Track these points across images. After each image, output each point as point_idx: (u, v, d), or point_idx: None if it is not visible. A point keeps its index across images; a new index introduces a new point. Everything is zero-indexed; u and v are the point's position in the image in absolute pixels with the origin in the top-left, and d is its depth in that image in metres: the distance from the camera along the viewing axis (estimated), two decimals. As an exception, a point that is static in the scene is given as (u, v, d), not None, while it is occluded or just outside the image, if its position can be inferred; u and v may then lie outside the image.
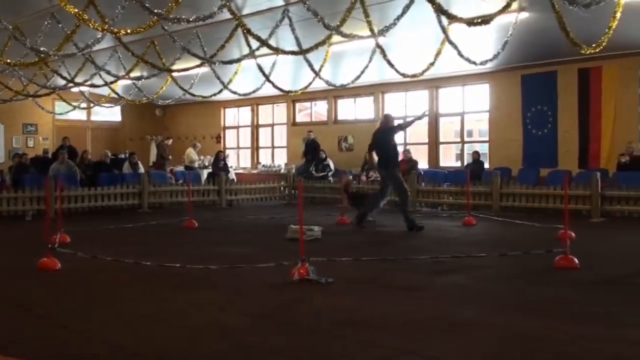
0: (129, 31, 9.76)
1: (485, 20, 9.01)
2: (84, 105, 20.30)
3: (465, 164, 16.94)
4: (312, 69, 13.05)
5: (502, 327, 4.82)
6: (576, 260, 7.04)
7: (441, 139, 18.30)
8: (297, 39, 11.39)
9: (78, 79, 15.40)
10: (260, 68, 13.70)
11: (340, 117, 20.39)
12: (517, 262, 7.63)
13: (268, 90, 15.21)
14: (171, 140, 21.46)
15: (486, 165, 16.37)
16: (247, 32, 10.86)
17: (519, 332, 4.69)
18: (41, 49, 10.91)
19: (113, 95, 18.07)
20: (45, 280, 6.80)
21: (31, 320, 5.18)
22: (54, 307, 5.62)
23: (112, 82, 15.88)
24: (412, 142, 18.61)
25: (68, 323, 5.08)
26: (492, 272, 7.09)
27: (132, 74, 14.81)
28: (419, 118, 11.70)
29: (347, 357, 4.21)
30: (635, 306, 5.44)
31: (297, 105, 21.79)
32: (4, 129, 21.73)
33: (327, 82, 13.99)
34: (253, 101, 21.57)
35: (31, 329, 4.92)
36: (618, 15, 9.56)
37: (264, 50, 11.82)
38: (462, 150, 18.08)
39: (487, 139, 17.45)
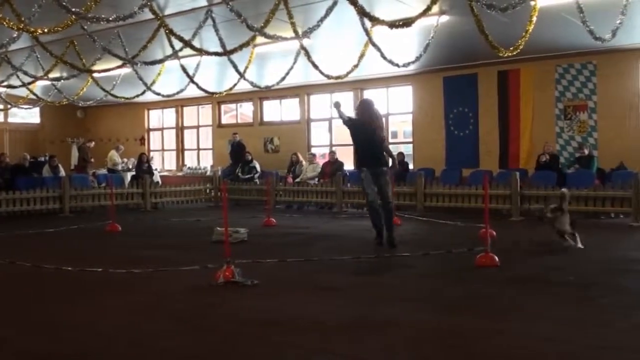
0: (46, 30, 9.49)
1: (407, 22, 9.21)
2: (0, 106, 19.59)
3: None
4: (237, 71, 13.00)
5: (421, 325, 4.91)
6: (496, 258, 7.24)
7: (367, 140, 18.45)
8: (221, 39, 11.32)
9: (-6, 80, 14.88)
10: (184, 69, 13.57)
11: (266, 118, 20.36)
12: (440, 260, 7.80)
13: (193, 91, 15.07)
14: (93, 143, 20.93)
15: (410, 166, 16.65)
16: (170, 32, 10.75)
17: (437, 329, 4.79)
18: (-48, 47, 10.50)
19: (31, 96, 17.52)
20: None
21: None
22: (-34, 317, 5.41)
23: (30, 83, 15.42)
24: (337, 144, 18.73)
25: (-19, 332, 4.89)
26: (415, 271, 7.21)
27: (51, 75, 14.43)
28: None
29: (265, 357, 4.21)
30: (549, 302, 5.63)
31: (223, 106, 21.64)
32: None
33: (252, 83, 13.97)
34: (178, 102, 21.29)
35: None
36: (534, 19, 9.91)
37: (188, 51, 11.72)
38: (387, 151, 18.31)
39: (411, 140, 17.75)
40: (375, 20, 9.52)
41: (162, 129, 23.45)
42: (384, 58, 11.54)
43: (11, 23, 9.14)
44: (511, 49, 10.39)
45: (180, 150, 22.64)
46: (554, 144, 14.56)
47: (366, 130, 9.14)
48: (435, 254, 8.15)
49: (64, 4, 8.08)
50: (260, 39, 11.40)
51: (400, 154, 16.52)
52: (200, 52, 11.58)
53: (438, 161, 16.20)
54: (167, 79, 14.94)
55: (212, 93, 15.17)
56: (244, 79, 13.49)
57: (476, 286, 6.31)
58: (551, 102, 14.83)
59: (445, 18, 11.69)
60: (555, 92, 14.75)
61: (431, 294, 6.03)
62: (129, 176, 18.72)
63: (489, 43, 10.06)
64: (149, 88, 14.75)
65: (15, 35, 10.42)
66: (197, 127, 22.38)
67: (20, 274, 7.26)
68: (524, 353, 4.23)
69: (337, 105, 9.44)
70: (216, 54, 11.59)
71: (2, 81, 15.11)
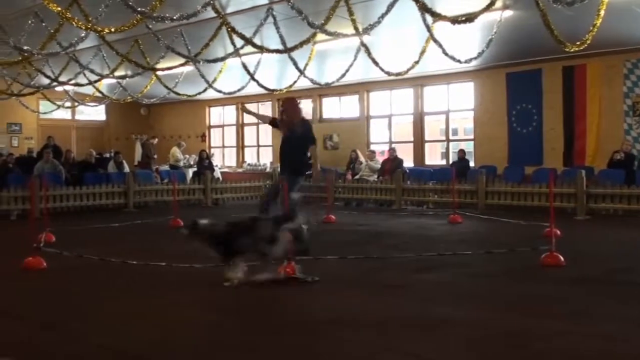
0: (112, 30, 9.72)
1: (470, 18, 9.07)
2: (68, 104, 20.19)
3: (451, 162, 16.99)
4: (297, 68, 13.05)
5: (485, 324, 4.84)
6: (562, 258, 7.07)
7: (426, 137, 18.33)
8: (281, 37, 11.38)
9: (62, 78, 15.31)
10: (245, 67, 13.68)
11: (325, 115, 20.39)
12: (503, 259, 7.66)
13: (253, 88, 15.19)
14: (157, 140, 21.38)
15: (471, 164, 16.44)
16: (232, 30, 10.86)
17: (502, 329, 4.70)
18: (25, 47, 10.84)
19: (97, 94, 17.99)
20: (31, 280, 6.75)
21: (16, 321, 5.14)
22: (39, 308, 5.59)
23: (96, 81, 15.82)
24: (397, 140, 18.64)
25: (53, 323, 5.04)
26: (477, 270, 7.11)
27: (117, 73, 14.77)
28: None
29: (328, 355, 4.21)
30: (616, 303, 5.47)
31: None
32: (-12, 129, 21.56)
33: (312, 80, 14.00)
34: (238, 100, 21.47)
35: (16, 329, 4.88)
36: (602, 13, 9.61)
37: (249, 48, 11.81)
38: (448, 148, 18.15)
39: (472, 137, 17.51)
40: (437, 16, 9.41)
41: (222, 126, 23.75)
42: (446, 54, 11.40)
43: (80, 23, 9.39)
44: (578, 43, 10.11)
45: (241, 146, 22.88)
46: (624, 141, 14.07)
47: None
48: (498, 252, 8.01)
49: (130, 4, 8.25)
50: (320, 36, 11.42)
51: (461, 151, 16.34)
52: (261, 49, 11.65)
53: (500, 158, 15.92)
54: (228, 77, 15.11)
55: (272, 90, 15.27)
56: (304, 76, 13.54)
57: (540, 286, 6.18)
58: (619, 98, 14.38)
59: (508, 13, 11.46)
60: (624, 88, 14.28)
61: (494, 293, 5.93)
62: (190, 172, 19.05)
63: (554, 38, 9.82)
64: (210, 85, 14.95)
65: (83, 34, 10.70)
66: (257, 124, 22.55)
67: (88, 267, 7.46)
68: (588, 355, 4.13)
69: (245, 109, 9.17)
70: (277, 51, 11.65)
71: (70, 79, 15.53)
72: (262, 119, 8.86)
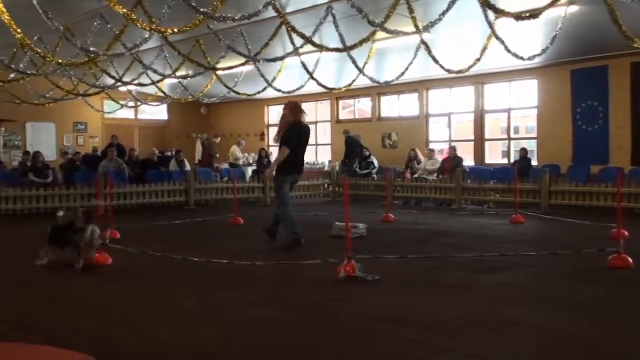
0: (175, 30, 9.86)
1: (534, 14, 8.88)
2: (131, 103, 20.66)
3: (512, 160, 16.69)
4: (356, 66, 13.03)
5: (551, 326, 4.72)
6: (630, 260, 6.86)
7: (487, 136, 18.05)
8: (340, 35, 11.38)
9: (126, 78, 15.66)
10: (304, 65, 13.74)
11: (383, 114, 20.31)
12: (568, 261, 7.47)
13: (312, 87, 15.26)
14: (220, 139, 21.70)
15: (534, 162, 16.10)
16: (292, 29, 10.90)
17: (569, 331, 4.58)
18: (91, 49, 11.12)
19: (160, 93, 18.35)
20: (97, 275, 6.92)
21: (83, 315, 5.26)
22: (104, 302, 5.72)
23: (158, 81, 16.11)
24: (457, 139, 18.41)
25: (119, 318, 5.15)
26: (541, 271, 6.95)
27: (178, 73, 15.01)
28: None
29: (390, 355, 4.18)
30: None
31: (341, 102, 21.77)
32: (56, 128, 22.24)
33: (371, 78, 13.96)
34: (297, 98, 21.54)
35: (82, 323, 5.00)
36: (673, 7, 9.29)
37: (308, 47, 11.84)
38: (509, 147, 17.83)
39: (534, 135, 17.16)
40: (499, 12, 9.24)
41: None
42: (508, 51, 11.20)
43: (144, 24, 9.58)
44: (647, 39, 9.80)
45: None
46: None
47: (306, 135, 9.05)
48: (563, 253, 7.82)
49: (193, 4, 8.37)
50: (380, 34, 11.37)
51: (523, 150, 16.02)
52: (321, 48, 11.67)
53: (564, 157, 15.56)
54: (287, 76, 15.20)
55: (331, 89, 15.29)
56: (363, 74, 13.50)
57: (608, 288, 6.00)
58: (690, 94, 13.89)
59: (574, 8, 11.19)
60: (695, 84, 13.79)
61: (560, 295, 5.79)
62: (249, 170, 19.22)
63: (622, 33, 9.53)
64: (270, 84, 15.06)
65: (147, 35, 10.90)
66: (315, 122, 22.59)
67: (151, 264, 7.60)
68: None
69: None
70: (336, 49, 11.65)
71: (134, 79, 15.87)
72: (282, 155, 8.84)
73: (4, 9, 9.65)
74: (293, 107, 9.08)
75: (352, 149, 18.38)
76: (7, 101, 17.96)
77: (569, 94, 15.74)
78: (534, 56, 11.77)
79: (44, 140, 21.58)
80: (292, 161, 8.83)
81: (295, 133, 8.83)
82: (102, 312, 5.35)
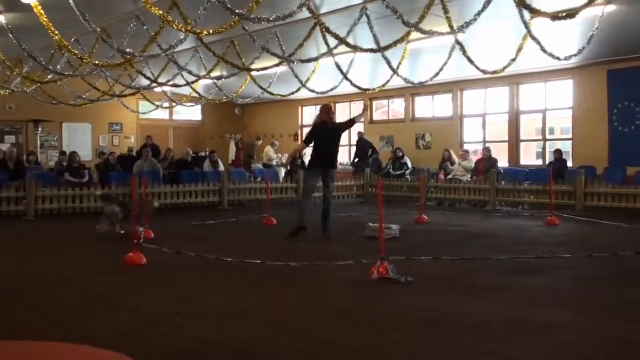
0: (211, 32, 9.94)
1: (571, 14, 8.76)
2: (166, 104, 20.86)
3: (548, 162, 16.49)
4: (390, 67, 12.98)
5: (588, 330, 4.67)
6: (668, 263, 6.76)
7: (522, 137, 17.85)
8: (375, 36, 11.35)
9: (161, 79, 15.81)
10: (338, 66, 13.73)
11: (417, 115, 20.21)
12: (605, 264, 7.38)
13: (346, 88, 15.24)
14: (261, 141, 21.86)
15: (569, 164, 15.89)
16: (326, 30, 10.92)
17: (608, 335, 4.53)
18: (127, 50, 11.26)
19: (194, 94, 18.49)
20: (133, 275, 7.02)
21: (120, 315, 5.34)
22: (141, 302, 5.79)
23: (193, 82, 16.24)
24: (491, 140, 18.24)
25: (155, 317, 5.21)
26: (578, 273, 6.87)
27: (213, 74, 15.11)
28: (359, 117, 10.69)
29: (425, 357, 4.17)
30: None
31: (375, 103, 21.72)
32: (92, 128, 22.58)
33: (405, 79, 13.91)
34: (331, 99, 21.58)
35: (119, 323, 5.07)
36: None
37: (342, 48, 11.84)
38: (544, 148, 17.60)
39: (570, 136, 16.93)
40: (535, 12, 9.15)
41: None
42: (544, 51, 11.07)
43: (179, 26, 9.67)
44: (687, 38, 9.62)
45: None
46: None
47: (330, 133, 9.92)
48: (600, 256, 7.71)
49: (229, 6, 8.43)
50: (414, 35, 11.31)
51: (558, 151, 15.82)
52: (355, 49, 11.66)
53: (600, 159, 15.30)
54: (321, 76, 15.20)
55: (365, 90, 15.26)
56: (397, 75, 13.45)
57: (647, 293, 5.92)
58: None
59: (611, 8, 10.99)
60: None
61: (599, 299, 5.72)
62: (283, 171, 19.28)
63: (661, 33, 9.36)
64: (304, 85, 15.08)
65: (182, 36, 11.01)
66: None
67: (185, 264, 7.67)
68: None
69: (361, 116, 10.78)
70: (371, 50, 11.63)
71: (169, 80, 16.02)
72: (300, 150, 11.23)
73: (42, 11, 9.84)
74: (321, 109, 10.31)
75: (363, 150, 18.78)
76: (44, 102, 18.29)
77: (606, 95, 15.48)
78: (570, 56, 11.62)
79: (80, 140, 21.92)
80: (316, 157, 9.89)
81: (316, 132, 9.97)
82: (138, 312, 5.42)
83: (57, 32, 10.43)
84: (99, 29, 10.65)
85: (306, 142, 10.32)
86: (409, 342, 4.47)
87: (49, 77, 14.88)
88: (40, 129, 20.57)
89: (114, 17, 12.10)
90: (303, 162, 18.71)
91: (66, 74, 14.05)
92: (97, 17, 10.64)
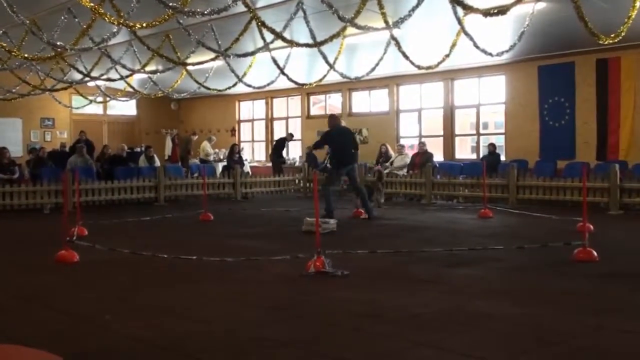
0: (144, 25, 9.77)
1: (502, 10, 8.93)
2: (100, 99, 20.41)
3: (481, 156, 16.86)
4: (327, 62, 13.00)
5: (519, 319, 4.79)
6: (595, 253, 6.97)
7: (456, 131, 18.20)
8: (311, 31, 11.34)
9: (94, 73, 15.47)
10: (274, 61, 13.68)
11: (354, 109, 20.34)
12: (535, 254, 7.57)
13: (283, 83, 15.21)
14: (197, 136, 21.61)
15: (502, 158, 16.27)
16: (262, 24, 10.86)
17: (536, 324, 4.65)
18: (58, 43, 10.96)
19: (129, 89, 18.17)
20: (64, 273, 6.84)
21: (50, 313, 5.20)
22: (72, 300, 5.65)
23: (127, 76, 15.94)
24: (427, 135, 18.52)
25: (87, 316, 5.10)
26: (509, 264, 7.04)
27: (148, 68, 14.86)
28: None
29: (361, 349, 4.20)
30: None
31: (312, 98, 21.77)
32: (22, 123, 21.90)
33: (341, 74, 13.96)
34: (268, 94, 21.58)
35: (50, 322, 4.95)
36: (638, 4, 9.42)
37: (279, 43, 11.82)
38: (478, 142, 17.97)
39: (503, 131, 17.34)
40: (468, 9, 9.29)
41: (252, 120, 23.82)
42: (477, 47, 11.28)
43: (112, 18, 9.47)
44: (612, 36, 9.94)
45: (270, 141, 22.92)
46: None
47: (347, 135, 11.78)
48: (530, 247, 7.91)
49: (162, -1, 8.30)
50: (350, 30, 11.36)
51: (492, 145, 16.18)
52: (291, 43, 11.66)
53: (531, 152, 15.73)
54: (258, 71, 15.14)
55: (302, 84, 15.27)
56: (334, 70, 13.49)
57: (574, 281, 6.11)
58: (654, 91, 14.11)
59: (541, 5, 11.29)
60: (660, 81, 14.02)
61: (527, 289, 5.88)
62: (220, 166, 19.14)
63: (588, 30, 9.65)
64: (240, 80, 14.99)
65: (115, 30, 10.78)
66: (287, 118, 22.60)
67: (119, 261, 7.52)
68: (625, 351, 4.06)
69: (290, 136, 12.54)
70: (307, 45, 11.64)
71: (102, 74, 15.68)
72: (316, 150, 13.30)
73: (-32, 3, 9.48)
74: (329, 118, 12.19)
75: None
76: (-28, 96, 17.67)
77: (536, 90, 15.92)
78: (502, 52, 11.87)
79: (10, 136, 21.18)
80: (339, 156, 11.46)
81: (327, 137, 11.85)
82: (69, 310, 5.29)
83: (-17, 24, 10.09)
84: (27, 21, 10.35)
85: (315, 146, 12.44)
86: (344, 335, 4.49)
87: (-24, 70, 14.38)
88: (-33, 124, 19.86)
89: (43, 9, 11.76)
90: (240, 157, 18.65)
91: (-6, 67, 13.60)
92: (25, 8, 10.33)
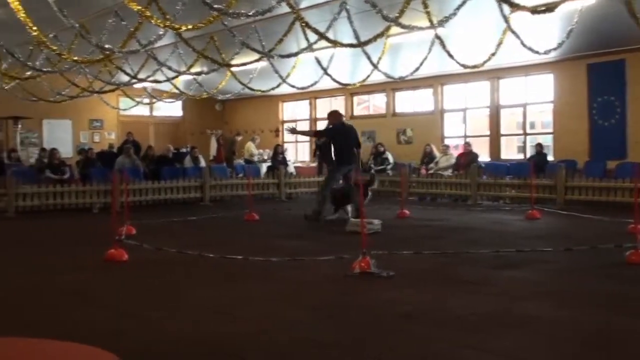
0: (190, 27, 9.86)
1: (550, 8, 8.79)
2: (146, 100, 20.71)
3: (528, 156, 16.59)
4: (371, 62, 12.98)
5: (566, 322, 4.70)
6: (647, 256, 6.80)
7: (502, 131, 17.94)
8: (355, 31, 11.32)
9: (141, 75, 15.69)
10: (318, 61, 13.70)
11: (398, 109, 20.22)
12: (585, 257, 7.41)
13: (326, 83, 15.21)
14: (241, 137, 21.77)
15: (550, 158, 15.99)
16: (305, 25, 10.87)
17: (584, 327, 4.55)
18: (106, 46, 11.15)
19: (174, 90, 18.39)
20: (113, 272, 6.95)
21: (98, 311, 5.29)
22: (121, 298, 5.74)
23: (173, 78, 16.13)
24: (472, 135, 18.31)
25: (133, 312, 5.18)
26: (557, 266, 6.91)
27: (193, 70, 15.02)
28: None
29: (405, 351, 4.16)
30: None
31: (355, 98, 21.72)
32: (72, 125, 22.37)
33: (385, 74, 13.90)
34: (311, 95, 21.60)
35: (98, 319, 5.03)
36: (692, -1, 9.16)
37: (322, 43, 11.81)
38: (525, 142, 17.69)
39: (550, 130, 17.03)
40: (515, 6, 9.16)
41: (295, 121, 23.87)
42: (524, 45, 11.11)
43: (158, 21, 9.59)
44: (665, 32, 9.68)
45: (314, 141, 22.93)
46: None
47: (349, 133, 11.47)
48: (579, 249, 7.76)
49: (207, 1, 8.37)
50: (394, 30, 11.30)
51: (539, 145, 15.92)
52: (335, 44, 11.63)
53: (580, 152, 15.41)
54: (302, 72, 15.17)
55: (345, 85, 15.25)
56: (378, 70, 13.45)
57: (624, 285, 5.96)
58: None
59: (590, 1, 11.03)
60: None
61: (577, 292, 5.75)
62: (264, 167, 19.24)
63: (639, 27, 9.41)
64: (284, 80, 15.05)
65: (161, 32, 10.91)
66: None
67: (166, 260, 7.62)
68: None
69: (292, 130, 12.03)
70: (350, 45, 11.61)
71: (149, 76, 15.90)
72: (307, 134, 12.45)
73: (20, 7, 9.70)
74: (331, 114, 11.87)
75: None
76: (24, 99, 18.07)
77: (585, 89, 15.59)
78: (549, 50, 11.67)
79: (60, 137, 21.68)
80: (341, 155, 11.31)
81: (329, 133, 11.69)
82: (117, 308, 5.37)
83: (35, 28, 10.30)
84: (77, 25, 10.54)
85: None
86: (388, 336, 4.46)
87: (28, 73, 14.69)
88: (19, 126, 20.34)
89: (92, 13, 11.96)
90: (284, 158, 18.72)
91: (45, 70, 13.87)
92: (75, 12, 10.51)
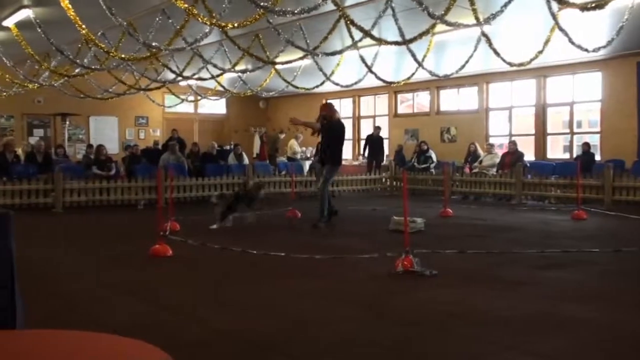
0: (235, 25, 9.95)
1: (600, 4, 8.62)
2: (191, 98, 20.96)
3: (575, 155, 16.30)
4: (415, 59, 12.91)
5: (613, 325, 4.61)
6: (698, 258, 6.64)
7: (549, 130, 17.67)
8: (400, 29, 11.28)
9: (186, 73, 15.89)
10: (362, 59, 13.68)
11: (442, 108, 20.08)
12: (633, 258, 7.27)
13: (370, 81, 15.19)
14: (284, 135, 21.88)
15: (597, 157, 15.68)
16: (350, 23, 10.87)
17: (632, 330, 4.47)
18: (153, 44, 11.32)
19: (219, 88, 18.57)
20: (158, 267, 7.07)
21: (143, 305, 5.38)
22: (165, 293, 5.83)
23: (218, 75, 16.30)
24: (517, 134, 18.07)
25: (178, 307, 5.25)
26: (604, 268, 6.78)
27: (238, 67, 15.14)
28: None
29: (448, 351, 4.14)
30: None
31: (399, 96, 21.63)
32: (118, 122, 22.80)
33: (430, 72, 13.81)
34: (355, 92, 21.58)
35: (143, 313, 5.12)
36: None
37: (367, 41, 11.79)
38: (571, 141, 17.39)
39: (597, 129, 16.70)
40: (564, 4, 9.01)
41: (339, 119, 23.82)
42: (572, 43, 10.92)
43: (204, 19, 9.70)
44: None
45: (357, 139, 22.94)
46: None
47: (343, 131, 11.05)
48: (627, 251, 7.60)
49: (252, -2, 8.44)
50: (439, 27, 11.22)
51: (586, 144, 15.63)
52: (380, 41, 11.60)
53: (629, 152, 15.08)
54: (346, 69, 15.18)
55: (389, 82, 15.20)
56: (422, 67, 13.37)
57: (676, 288, 5.82)
58: None
59: (642, -2, 10.83)
60: None
61: (624, 293, 5.64)
62: (307, 164, 19.29)
63: (693, 23, 9.19)
64: (328, 78, 15.07)
65: (207, 30, 11.04)
66: (374, 116, 22.54)
67: (210, 256, 7.72)
68: None
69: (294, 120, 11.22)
70: (395, 43, 11.57)
71: (194, 74, 16.09)
72: (312, 126, 11.24)
73: (69, 5, 9.93)
74: (326, 107, 11.29)
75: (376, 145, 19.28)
76: (71, 95, 18.50)
77: (635, 87, 15.24)
78: (598, 48, 11.45)
79: (106, 133, 22.13)
80: (337, 153, 10.87)
81: (329, 127, 10.75)
82: (161, 302, 5.45)
83: (84, 26, 10.53)
84: (125, 23, 10.72)
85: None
86: (431, 335, 4.44)
87: (76, 70, 15.01)
88: (67, 122, 20.79)
89: (139, 11, 12.16)
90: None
91: (93, 67, 14.15)
92: (123, 10, 10.70)
